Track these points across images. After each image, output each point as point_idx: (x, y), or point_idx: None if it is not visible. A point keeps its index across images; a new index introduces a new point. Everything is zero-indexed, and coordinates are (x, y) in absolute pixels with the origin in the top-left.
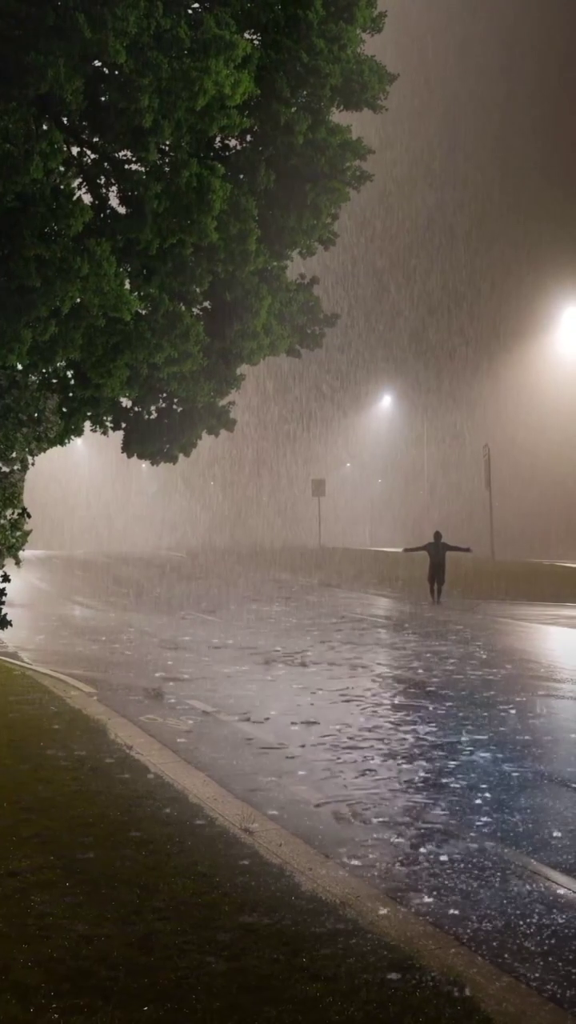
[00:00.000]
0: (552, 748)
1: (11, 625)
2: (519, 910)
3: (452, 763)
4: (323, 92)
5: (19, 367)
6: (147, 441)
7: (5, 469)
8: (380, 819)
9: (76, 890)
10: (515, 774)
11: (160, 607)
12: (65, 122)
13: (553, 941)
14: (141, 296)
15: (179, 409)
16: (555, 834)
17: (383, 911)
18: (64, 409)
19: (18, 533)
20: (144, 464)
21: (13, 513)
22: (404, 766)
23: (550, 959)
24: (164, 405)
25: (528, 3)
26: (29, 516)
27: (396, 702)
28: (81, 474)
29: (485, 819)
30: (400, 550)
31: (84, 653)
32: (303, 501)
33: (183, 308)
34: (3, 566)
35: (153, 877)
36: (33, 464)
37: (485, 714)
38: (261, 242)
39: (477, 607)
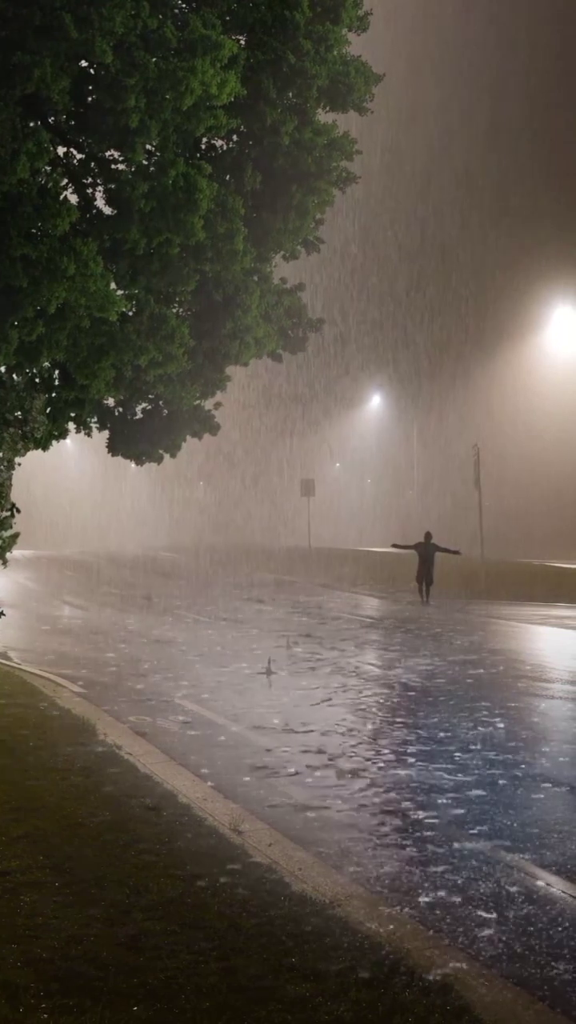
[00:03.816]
0: (542, 747)
1: (3, 615)
2: (511, 909)
3: (442, 763)
4: (309, 93)
5: (2, 368)
6: (132, 442)
7: None
8: (369, 819)
9: (66, 890)
10: (504, 773)
11: (150, 607)
12: (52, 122)
13: (547, 941)
14: (127, 297)
15: (165, 412)
16: (545, 833)
17: (372, 911)
18: (49, 409)
19: (6, 533)
20: (133, 464)
21: (1, 512)
22: (394, 766)
23: (543, 959)
24: (150, 407)
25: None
26: (19, 511)
27: (385, 703)
28: (70, 474)
29: (475, 818)
30: (389, 547)
31: (73, 653)
32: (293, 501)
33: (169, 310)
34: None
35: (143, 877)
36: (19, 464)
37: (474, 714)
38: (247, 242)
39: (466, 607)
